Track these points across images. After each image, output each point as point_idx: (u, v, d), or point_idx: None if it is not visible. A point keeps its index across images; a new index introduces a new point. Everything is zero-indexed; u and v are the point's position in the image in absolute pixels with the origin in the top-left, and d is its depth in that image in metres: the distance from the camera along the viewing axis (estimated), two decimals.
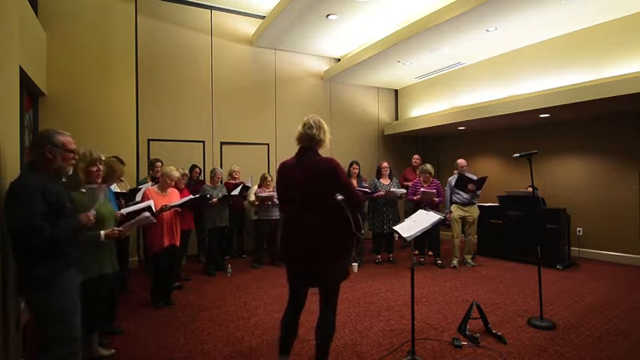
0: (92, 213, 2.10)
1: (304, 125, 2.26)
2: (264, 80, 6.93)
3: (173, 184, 3.88)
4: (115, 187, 3.69)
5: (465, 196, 5.38)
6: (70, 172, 2.09)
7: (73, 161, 2.06)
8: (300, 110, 7.14)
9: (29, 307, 1.94)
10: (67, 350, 1.90)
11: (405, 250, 6.56)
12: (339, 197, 2.22)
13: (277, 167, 2.37)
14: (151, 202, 3.30)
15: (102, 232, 2.46)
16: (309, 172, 2.19)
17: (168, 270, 3.83)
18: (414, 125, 7.47)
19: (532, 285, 4.26)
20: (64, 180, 2.11)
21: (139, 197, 3.88)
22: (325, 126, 2.30)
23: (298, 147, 2.31)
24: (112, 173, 3.17)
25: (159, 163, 4.99)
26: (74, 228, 1.97)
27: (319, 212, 2.17)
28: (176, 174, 3.84)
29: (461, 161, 5.51)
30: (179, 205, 3.81)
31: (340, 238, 2.19)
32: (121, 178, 4.18)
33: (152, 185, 4.18)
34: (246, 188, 5.22)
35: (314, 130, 2.23)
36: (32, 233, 1.76)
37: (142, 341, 3.02)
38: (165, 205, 3.60)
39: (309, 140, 2.25)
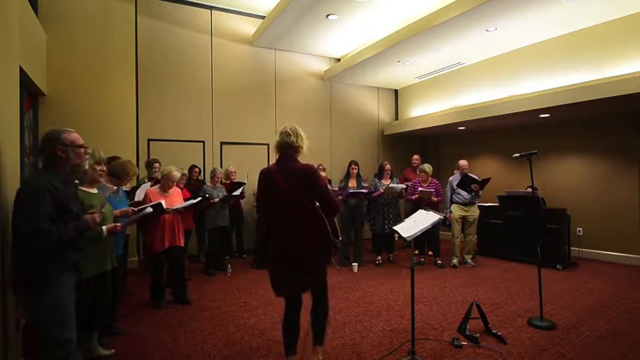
0: (98, 214, 2.11)
1: (281, 134, 2.31)
2: (264, 80, 6.93)
3: (174, 184, 3.89)
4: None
5: (466, 196, 5.39)
6: (86, 167, 2.10)
7: (87, 156, 2.07)
8: (300, 110, 7.14)
9: (24, 307, 1.94)
10: (64, 351, 1.89)
11: (405, 250, 6.55)
12: (317, 204, 2.28)
13: (258, 174, 2.39)
14: (162, 201, 3.36)
15: (104, 228, 2.48)
16: (289, 178, 2.23)
17: (176, 270, 3.84)
18: (414, 125, 7.48)
19: (532, 285, 4.26)
20: (77, 182, 2.12)
21: (139, 196, 3.88)
22: (302, 133, 2.34)
23: (277, 155, 2.35)
24: (125, 173, 3.17)
25: (157, 164, 4.99)
26: (80, 230, 1.97)
27: (301, 218, 2.22)
28: (177, 174, 3.84)
29: (463, 162, 5.51)
30: (182, 208, 3.81)
31: (321, 243, 2.25)
32: None
33: (150, 186, 4.18)
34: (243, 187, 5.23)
35: (291, 138, 2.27)
36: (38, 236, 1.76)
37: (142, 341, 3.02)
38: (168, 209, 3.60)
39: (287, 148, 2.29)
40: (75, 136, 1.99)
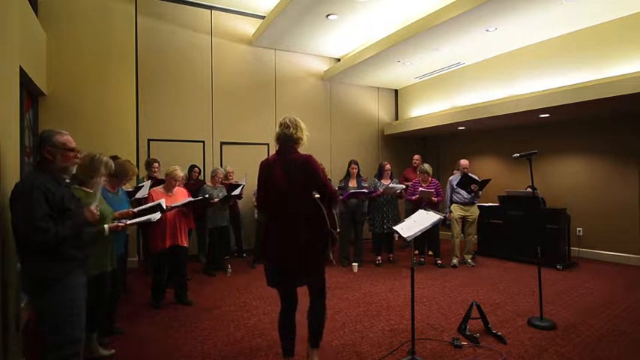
0: (95, 207, 2.10)
1: (281, 125, 2.31)
2: (264, 80, 6.93)
3: (178, 183, 3.89)
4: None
5: (466, 195, 5.39)
6: (74, 171, 2.10)
7: (76, 160, 2.05)
8: (300, 110, 7.12)
9: (34, 307, 1.94)
10: (71, 351, 1.89)
11: (405, 250, 6.56)
12: (316, 195, 2.28)
13: (259, 165, 2.40)
14: (162, 200, 3.35)
15: (106, 226, 2.49)
16: (288, 169, 2.23)
17: (174, 270, 3.83)
18: (414, 125, 7.47)
19: (532, 285, 4.26)
20: (68, 180, 2.11)
21: (142, 194, 3.88)
22: (302, 124, 2.34)
23: (277, 146, 2.35)
24: (124, 173, 3.17)
25: (156, 164, 4.98)
26: (78, 224, 1.96)
27: (300, 210, 2.22)
28: (180, 174, 3.84)
29: (464, 162, 5.51)
30: (182, 206, 3.81)
31: (320, 235, 2.25)
32: None
33: (150, 186, 4.18)
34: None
35: (290, 130, 2.28)
36: (37, 235, 1.76)
37: (142, 341, 3.02)
38: (168, 206, 3.59)
39: (286, 139, 2.29)
40: (67, 139, 1.98)
